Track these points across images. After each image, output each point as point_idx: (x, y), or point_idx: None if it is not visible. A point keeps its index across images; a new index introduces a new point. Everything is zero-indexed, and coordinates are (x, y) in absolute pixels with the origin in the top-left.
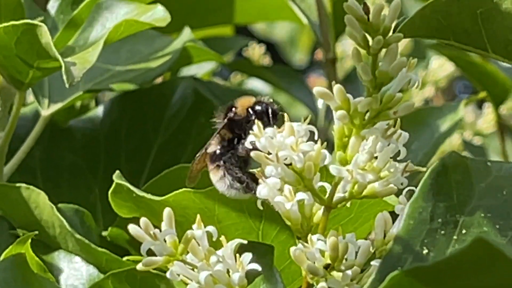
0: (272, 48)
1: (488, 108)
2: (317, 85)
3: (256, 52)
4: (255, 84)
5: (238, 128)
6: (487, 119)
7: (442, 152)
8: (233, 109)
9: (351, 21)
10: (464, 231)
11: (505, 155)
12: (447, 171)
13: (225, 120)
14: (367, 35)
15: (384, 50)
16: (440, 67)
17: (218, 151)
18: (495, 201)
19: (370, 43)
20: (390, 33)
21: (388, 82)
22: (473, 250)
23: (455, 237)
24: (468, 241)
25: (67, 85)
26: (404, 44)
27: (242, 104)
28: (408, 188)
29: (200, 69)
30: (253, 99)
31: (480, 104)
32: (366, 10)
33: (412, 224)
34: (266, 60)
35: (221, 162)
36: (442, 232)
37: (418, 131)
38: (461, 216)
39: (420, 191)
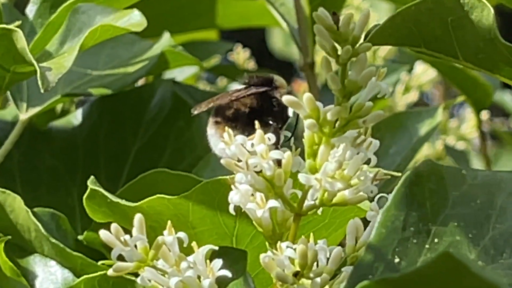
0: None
1: (471, 113)
2: (302, 89)
3: (241, 57)
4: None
5: (266, 103)
6: (470, 124)
7: (425, 156)
8: (274, 85)
9: (320, 31)
10: (436, 240)
11: (487, 160)
12: (421, 179)
13: (261, 89)
14: (336, 44)
15: (353, 59)
16: (424, 72)
17: (230, 109)
18: (469, 210)
19: (339, 52)
20: (360, 42)
21: (358, 91)
22: (440, 264)
23: (427, 246)
24: (440, 250)
25: (42, 90)
26: (387, 49)
27: (281, 84)
28: (381, 194)
29: (182, 73)
30: (286, 85)
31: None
32: (336, 19)
33: (384, 232)
34: (251, 64)
35: (226, 121)
36: (414, 241)
37: (396, 135)
38: (433, 225)
39: (393, 200)
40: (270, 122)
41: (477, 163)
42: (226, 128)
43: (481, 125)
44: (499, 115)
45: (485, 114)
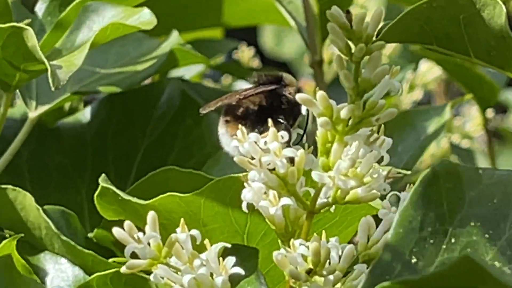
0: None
1: (476, 111)
2: (308, 88)
3: (245, 54)
4: (244, 86)
5: (276, 101)
6: (475, 122)
7: (431, 155)
8: (283, 83)
9: (333, 29)
10: (453, 240)
11: (492, 158)
12: (438, 179)
13: (270, 88)
14: (349, 42)
15: (367, 57)
16: (429, 70)
17: (240, 108)
18: (486, 210)
19: (353, 50)
20: (373, 40)
21: (371, 89)
22: (460, 267)
23: (444, 246)
24: (457, 250)
25: (52, 88)
26: (392, 47)
27: (291, 82)
28: (392, 192)
29: (189, 71)
30: (295, 82)
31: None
32: (349, 18)
33: (401, 232)
34: (256, 63)
35: (236, 120)
36: (431, 241)
37: (403, 134)
38: (450, 225)
39: (410, 200)
40: (281, 120)
41: (482, 162)
42: (238, 126)
43: (486, 123)
44: (498, 112)
45: (490, 112)
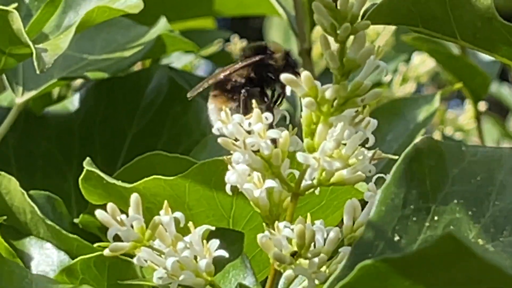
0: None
1: (469, 104)
2: None
3: (238, 46)
4: None
5: (264, 71)
6: (468, 115)
7: None
8: (268, 51)
9: (318, 8)
10: (436, 218)
11: None
12: (420, 156)
13: (256, 58)
14: (335, 22)
15: (352, 37)
16: (422, 62)
17: (228, 82)
18: (469, 187)
19: (338, 30)
20: (358, 20)
21: (356, 69)
22: (442, 245)
23: (427, 224)
24: (439, 228)
25: (38, 71)
26: (385, 39)
27: (276, 49)
28: (378, 175)
29: (179, 61)
30: (282, 48)
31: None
32: None
33: (384, 210)
34: None
35: (224, 93)
36: (414, 218)
37: (393, 122)
38: (433, 203)
39: (392, 177)
40: (267, 93)
41: None
42: (226, 99)
43: (479, 115)
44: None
45: (483, 105)
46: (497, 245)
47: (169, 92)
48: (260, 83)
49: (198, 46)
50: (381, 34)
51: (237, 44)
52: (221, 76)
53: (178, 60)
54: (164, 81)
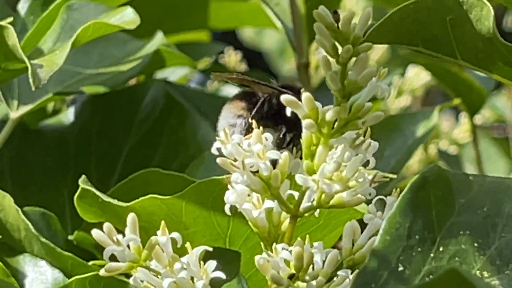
0: (260, 57)
1: (464, 117)
2: None
3: (232, 58)
4: (231, 91)
5: (281, 109)
6: (463, 129)
7: (418, 160)
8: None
9: (320, 29)
10: (441, 249)
11: (480, 164)
12: (427, 185)
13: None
14: (336, 43)
15: (354, 59)
16: (417, 75)
17: (254, 97)
18: (475, 218)
19: (340, 51)
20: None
21: (357, 91)
22: (447, 280)
23: (432, 254)
24: (444, 259)
25: (33, 88)
26: (381, 52)
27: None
28: (378, 197)
29: (174, 74)
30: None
31: (458, 113)
32: (337, 18)
33: (388, 240)
34: (242, 67)
35: (247, 103)
36: (419, 249)
37: (391, 138)
38: (439, 233)
39: (398, 206)
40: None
41: (469, 168)
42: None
43: (475, 129)
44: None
45: (479, 119)
46: (503, 278)
47: (165, 106)
48: (272, 115)
49: (192, 58)
50: (376, 47)
51: (231, 56)
52: (254, 84)
53: (173, 73)
54: (160, 95)
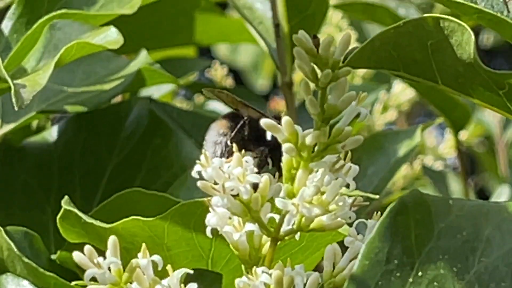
0: (234, 73)
1: (449, 133)
2: (279, 107)
3: (218, 73)
4: (217, 106)
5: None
6: (448, 145)
7: (403, 176)
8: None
9: (299, 53)
10: (420, 274)
11: (464, 180)
12: (406, 210)
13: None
14: (316, 68)
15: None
16: (403, 91)
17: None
18: (454, 242)
19: (319, 76)
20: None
21: (337, 115)
22: None
23: (410, 279)
24: (423, 284)
25: (16, 108)
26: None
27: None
28: (359, 220)
29: (159, 90)
30: None
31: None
32: (316, 42)
33: (367, 264)
34: (229, 82)
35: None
36: (398, 274)
37: (374, 156)
38: (418, 258)
39: (377, 231)
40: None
41: (454, 184)
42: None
43: (459, 145)
44: None
45: (464, 135)
46: None
47: (149, 124)
48: (255, 140)
49: (178, 74)
50: None
51: (218, 71)
52: (242, 106)
53: (158, 89)
54: (144, 113)
